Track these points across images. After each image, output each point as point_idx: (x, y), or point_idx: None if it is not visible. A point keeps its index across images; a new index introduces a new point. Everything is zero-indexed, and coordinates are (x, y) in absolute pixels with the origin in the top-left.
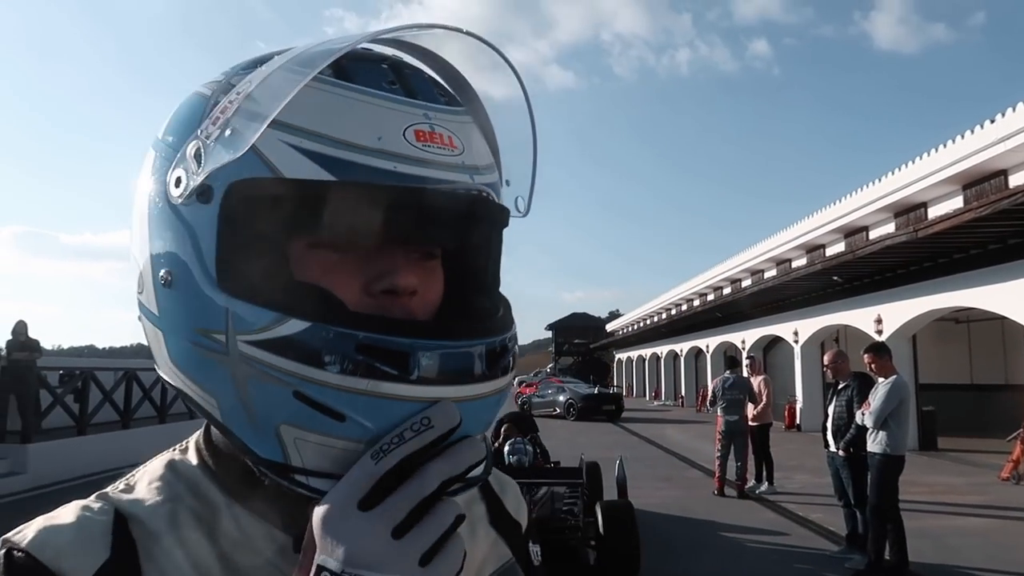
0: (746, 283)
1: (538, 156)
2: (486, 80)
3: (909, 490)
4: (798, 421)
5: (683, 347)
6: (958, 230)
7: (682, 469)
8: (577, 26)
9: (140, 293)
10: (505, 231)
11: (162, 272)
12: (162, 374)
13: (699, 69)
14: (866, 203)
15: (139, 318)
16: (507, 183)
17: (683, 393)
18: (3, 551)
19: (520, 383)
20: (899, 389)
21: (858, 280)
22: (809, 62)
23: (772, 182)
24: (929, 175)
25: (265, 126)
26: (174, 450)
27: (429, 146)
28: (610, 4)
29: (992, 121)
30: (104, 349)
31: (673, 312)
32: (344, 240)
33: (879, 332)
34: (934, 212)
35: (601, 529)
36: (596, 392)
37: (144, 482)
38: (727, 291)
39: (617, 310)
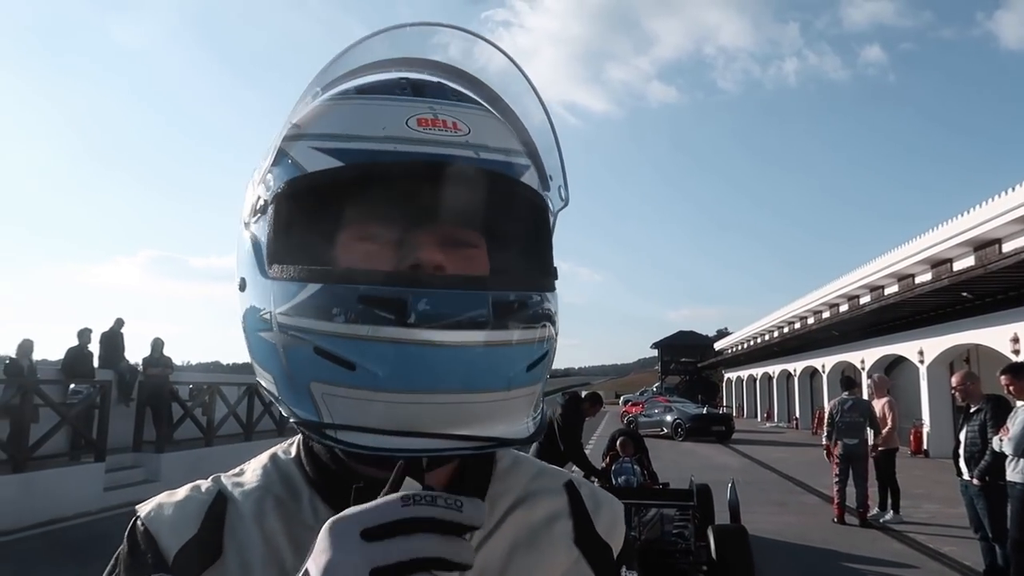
0: (864, 299)
1: (559, 141)
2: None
3: None
4: (925, 446)
5: (796, 367)
6: None
7: (798, 494)
8: (679, 41)
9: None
10: (605, 249)
11: (238, 280)
12: (256, 378)
13: (808, 79)
14: (999, 213)
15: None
16: (551, 178)
17: (797, 415)
18: (134, 518)
19: (626, 402)
20: None
21: (990, 296)
22: (928, 67)
23: (888, 196)
24: None
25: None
26: (284, 444)
27: (431, 129)
28: (713, 18)
29: None
30: (228, 365)
31: (785, 330)
32: (359, 216)
33: (1016, 352)
34: None
35: (714, 554)
36: (705, 412)
37: (250, 469)
38: (844, 308)
39: (725, 328)
